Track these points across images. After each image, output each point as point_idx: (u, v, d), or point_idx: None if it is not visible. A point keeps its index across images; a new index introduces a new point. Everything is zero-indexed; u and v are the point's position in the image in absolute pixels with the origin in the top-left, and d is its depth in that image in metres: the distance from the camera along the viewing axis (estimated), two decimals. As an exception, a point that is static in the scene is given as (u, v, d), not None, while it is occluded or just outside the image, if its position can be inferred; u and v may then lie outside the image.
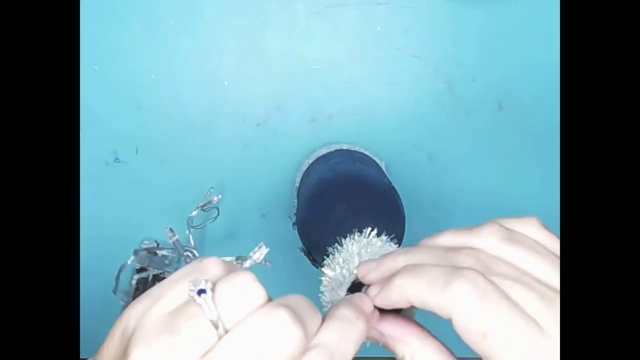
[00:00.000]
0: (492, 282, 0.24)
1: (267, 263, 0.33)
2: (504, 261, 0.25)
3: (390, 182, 0.47)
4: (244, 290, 0.23)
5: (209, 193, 0.51)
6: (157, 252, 0.54)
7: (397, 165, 0.55)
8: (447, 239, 0.27)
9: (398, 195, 0.45)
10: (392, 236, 0.38)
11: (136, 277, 0.54)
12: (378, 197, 0.43)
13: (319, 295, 0.37)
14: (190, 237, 0.51)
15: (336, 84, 0.53)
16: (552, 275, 0.24)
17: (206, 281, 0.22)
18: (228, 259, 0.31)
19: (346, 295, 0.34)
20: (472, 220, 0.61)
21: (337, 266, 0.36)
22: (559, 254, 0.26)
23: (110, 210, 0.57)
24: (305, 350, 0.22)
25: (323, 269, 0.37)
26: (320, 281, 0.37)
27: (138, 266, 0.54)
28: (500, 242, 0.25)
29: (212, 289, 0.22)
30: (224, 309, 0.22)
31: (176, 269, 0.39)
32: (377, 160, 0.52)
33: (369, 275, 0.29)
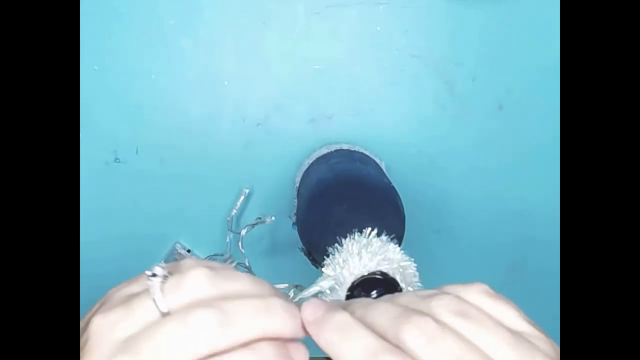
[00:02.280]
0: None
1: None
2: (453, 334, 0.24)
3: (390, 182, 0.47)
4: (189, 282, 0.26)
5: (259, 219, 0.51)
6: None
7: (397, 165, 0.55)
8: (405, 299, 0.26)
9: (398, 195, 0.45)
10: (392, 236, 0.38)
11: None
12: (378, 197, 0.43)
13: (319, 295, 0.37)
14: (245, 257, 0.48)
15: (336, 84, 0.53)
16: (505, 353, 0.23)
17: (162, 268, 0.26)
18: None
19: (346, 295, 0.35)
20: (472, 220, 0.62)
21: (337, 266, 0.36)
22: (514, 323, 0.25)
23: (110, 210, 0.57)
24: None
25: (323, 269, 0.37)
26: (330, 284, 0.37)
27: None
28: (453, 315, 0.24)
29: (165, 276, 0.26)
30: (167, 294, 0.25)
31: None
32: (377, 160, 0.52)
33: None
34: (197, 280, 0.26)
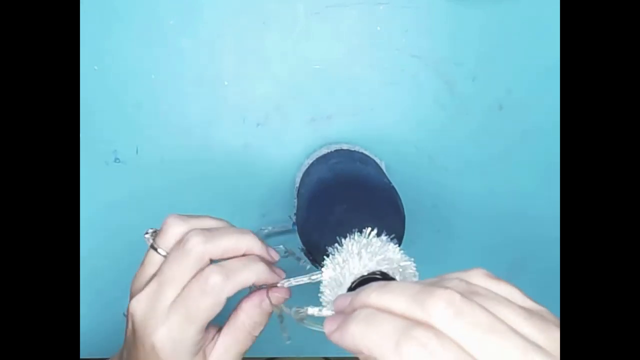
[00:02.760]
0: (445, 344, 0.23)
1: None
2: (479, 305, 0.24)
3: (390, 182, 0.47)
4: (167, 226, 0.39)
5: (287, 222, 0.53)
6: None
7: (397, 165, 0.55)
8: (413, 285, 0.27)
9: (398, 195, 0.45)
10: (392, 236, 0.38)
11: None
12: (378, 197, 0.43)
13: (319, 295, 0.37)
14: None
15: (336, 84, 0.53)
16: (521, 322, 0.24)
17: (153, 230, 0.40)
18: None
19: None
20: (472, 220, 0.62)
21: (337, 266, 0.36)
22: (520, 301, 0.26)
23: (110, 210, 0.57)
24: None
25: (323, 269, 0.37)
26: (320, 281, 0.37)
27: None
28: (447, 318, 0.24)
29: (155, 231, 0.40)
30: (158, 240, 0.39)
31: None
32: (377, 160, 0.52)
33: (341, 309, 0.29)
34: (171, 222, 0.38)
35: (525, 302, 0.26)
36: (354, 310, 0.26)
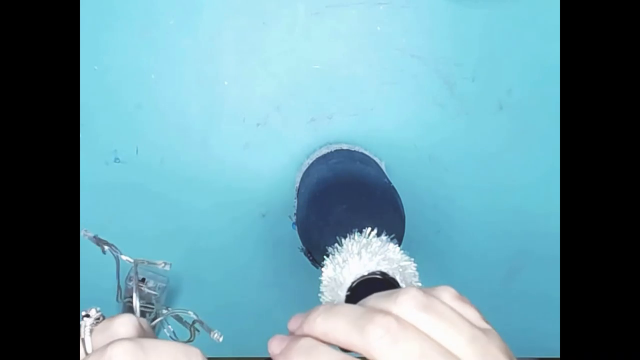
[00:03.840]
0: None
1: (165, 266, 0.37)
2: (415, 331, 0.24)
3: (390, 182, 0.47)
4: (113, 348, 0.26)
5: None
6: (143, 289, 0.54)
7: (397, 165, 0.55)
8: (368, 302, 0.27)
9: (398, 195, 0.45)
10: (392, 236, 0.38)
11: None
12: (378, 197, 0.43)
13: (319, 295, 0.37)
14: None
15: (336, 84, 0.53)
16: (463, 347, 0.24)
17: (97, 311, 0.29)
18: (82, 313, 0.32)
19: (346, 294, 0.34)
20: (472, 220, 0.62)
21: (337, 266, 0.36)
22: (474, 321, 0.26)
23: (110, 210, 0.57)
24: None
25: (323, 269, 0.37)
26: (320, 281, 0.37)
27: (127, 297, 0.52)
28: (415, 309, 0.25)
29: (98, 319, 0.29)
30: (95, 338, 0.27)
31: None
32: (377, 160, 0.52)
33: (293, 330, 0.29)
34: (121, 351, 0.25)
35: (479, 323, 0.26)
36: (303, 334, 0.27)
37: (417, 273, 0.36)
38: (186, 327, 0.35)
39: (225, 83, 0.53)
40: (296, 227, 0.47)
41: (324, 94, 0.54)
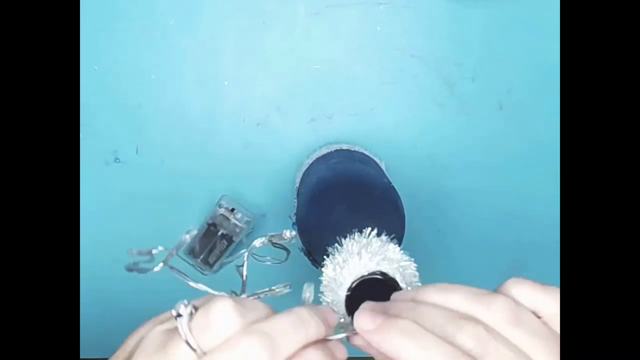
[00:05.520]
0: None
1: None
2: (505, 342, 0.25)
3: (390, 182, 0.47)
4: (217, 317, 0.25)
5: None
6: (230, 218, 0.53)
7: (397, 165, 0.55)
8: (457, 299, 0.27)
9: (398, 195, 0.45)
10: (392, 236, 0.38)
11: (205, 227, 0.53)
12: (378, 197, 0.43)
13: (319, 295, 0.37)
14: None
15: (336, 84, 0.53)
16: None
17: (185, 306, 0.25)
18: (244, 296, 0.32)
19: (346, 294, 0.34)
20: (472, 219, 0.62)
21: (337, 266, 0.36)
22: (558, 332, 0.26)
23: (110, 210, 0.57)
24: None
25: (323, 269, 0.37)
26: (320, 281, 0.37)
27: (210, 221, 0.53)
28: (506, 323, 0.25)
29: (191, 314, 0.25)
30: (198, 333, 0.24)
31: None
32: (377, 160, 0.52)
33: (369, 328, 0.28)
34: (224, 313, 0.25)
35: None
36: (396, 318, 0.27)
37: (417, 273, 0.36)
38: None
39: (225, 83, 0.53)
40: (296, 227, 0.47)
41: (324, 94, 0.54)
